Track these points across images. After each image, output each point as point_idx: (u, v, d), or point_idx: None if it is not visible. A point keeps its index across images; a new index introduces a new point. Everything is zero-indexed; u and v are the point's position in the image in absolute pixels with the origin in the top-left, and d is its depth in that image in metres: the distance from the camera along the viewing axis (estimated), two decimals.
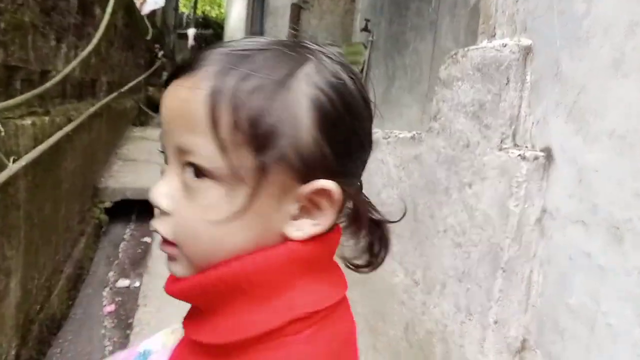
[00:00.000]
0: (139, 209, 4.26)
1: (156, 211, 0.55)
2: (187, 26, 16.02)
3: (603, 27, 1.42)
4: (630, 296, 1.30)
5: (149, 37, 7.63)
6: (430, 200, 1.92)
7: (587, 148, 1.44)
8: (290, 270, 0.52)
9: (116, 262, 3.56)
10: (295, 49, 0.54)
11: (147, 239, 3.82)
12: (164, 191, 0.53)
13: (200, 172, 0.51)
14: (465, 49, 1.82)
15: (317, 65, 0.54)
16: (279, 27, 8.44)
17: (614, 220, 1.35)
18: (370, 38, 5.34)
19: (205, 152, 0.50)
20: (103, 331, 2.72)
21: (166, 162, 0.55)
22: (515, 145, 1.65)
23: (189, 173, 0.52)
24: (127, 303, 2.95)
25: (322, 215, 0.54)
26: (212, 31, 16.44)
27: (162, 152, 0.56)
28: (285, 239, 0.54)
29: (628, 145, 1.33)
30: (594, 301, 1.40)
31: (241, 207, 0.51)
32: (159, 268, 2.92)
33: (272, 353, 0.50)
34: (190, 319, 0.57)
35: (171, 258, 0.55)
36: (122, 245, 3.83)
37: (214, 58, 0.52)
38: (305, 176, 0.52)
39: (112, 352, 2.53)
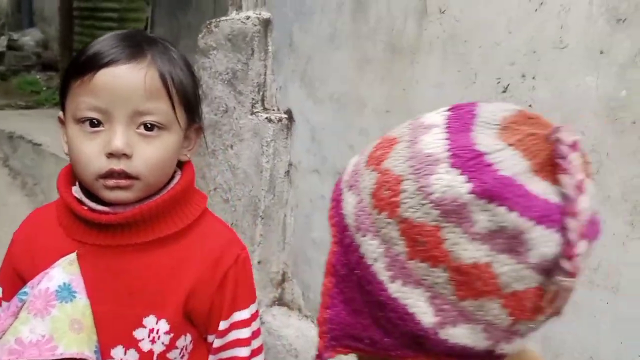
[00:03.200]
0: None
1: (113, 158, 0.78)
2: None
3: (320, 5, 1.69)
4: None
5: None
6: (200, 162, 2.08)
7: (316, 109, 1.73)
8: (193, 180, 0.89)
9: None
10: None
11: None
12: (125, 141, 0.77)
13: (153, 126, 0.79)
14: (217, 19, 1.97)
15: None
16: None
17: (337, 168, 1.66)
18: None
19: (162, 112, 0.80)
20: None
21: (99, 124, 0.78)
22: (265, 109, 1.88)
23: (142, 127, 0.78)
24: None
25: (190, 144, 0.88)
26: None
27: (94, 119, 0.78)
28: (177, 161, 0.86)
29: (343, 106, 1.64)
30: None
31: (180, 145, 0.84)
32: None
33: (209, 222, 0.89)
34: (110, 236, 0.82)
35: (124, 188, 0.79)
36: None
37: (146, 50, 0.81)
38: (191, 119, 0.87)
39: None
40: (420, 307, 0.51)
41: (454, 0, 1.28)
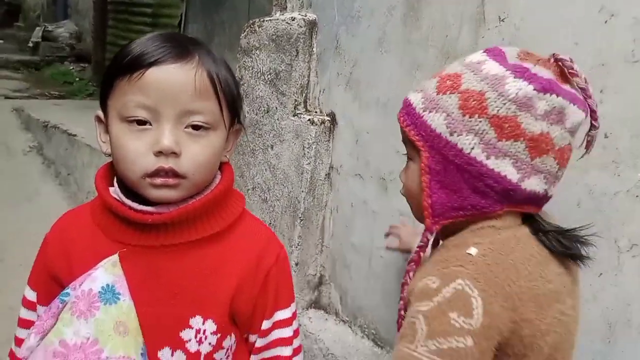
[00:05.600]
0: None
1: (161, 157, 0.78)
2: None
3: (370, 9, 1.66)
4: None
5: None
6: (239, 160, 2.08)
7: (362, 113, 1.71)
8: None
9: None
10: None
11: None
12: (174, 140, 0.79)
13: (201, 126, 0.81)
14: (261, 19, 1.96)
15: None
16: None
17: (381, 172, 1.64)
18: None
19: (210, 112, 0.83)
20: None
21: (146, 123, 0.79)
22: (307, 110, 1.87)
23: (189, 127, 0.80)
24: None
25: (229, 145, 0.89)
26: None
27: (141, 117, 0.80)
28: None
29: (390, 111, 1.61)
30: (370, 239, 1.70)
31: (224, 145, 0.86)
32: None
33: (248, 222, 0.91)
34: (153, 236, 0.82)
35: (171, 187, 0.79)
36: None
37: (192, 50, 0.82)
38: (233, 121, 0.88)
39: None
40: (509, 170, 0.79)
41: (515, 8, 1.24)
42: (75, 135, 3.80)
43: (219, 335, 0.85)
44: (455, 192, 0.82)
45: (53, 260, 0.87)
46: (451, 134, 0.81)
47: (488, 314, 0.74)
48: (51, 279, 0.87)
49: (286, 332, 0.91)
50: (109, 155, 0.85)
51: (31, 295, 0.90)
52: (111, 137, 0.82)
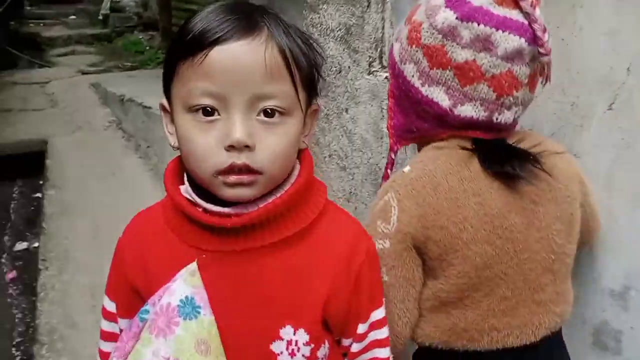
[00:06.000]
0: (25, 164, 3.98)
1: (233, 151, 0.69)
2: None
3: None
4: None
5: None
6: None
7: None
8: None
9: (9, 224, 3.37)
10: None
11: (38, 195, 3.63)
12: (246, 131, 0.69)
13: (275, 112, 0.71)
14: None
15: None
16: None
17: None
18: None
19: (284, 95, 0.72)
20: (9, 300, 2.64)
21: (213, 112, 0.70)
22: (383, 67, 1.70)
23: (262, 114, 0.71)
24: (30, 266, 2.84)
25: (307, 129, 0.80)
26: None
27: (208, 106, 0.71)
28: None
29: None
30: None
31: (301, 130, 0.77)
32: (54, 227, 2.81)
33: (332, 214, 0.80)
34: (233, 240, 0.73)
35: (247, 185, 0.70)
36: (12, 205, 3.61)
37: (261, 22, 0.71)
38: (310, 100, 0.78)
39: (22, 320, 2.48)
40: (441, 97, 0.87)
41: None
42: (150, 107, 3.83)
43: (312, 345, 0.75)
44: (406, 116, 0.93)
45: (129, 270, 0.81)
46: (401, 62, 0.91)
47: (401, 221, 0.87)
48: (130, 289, 0.81)
49: (383, 333, 0.82)
50: (177, 149, 0.76)
51: (111, 306, 0.85)
52: (177, 130, 0.73)
